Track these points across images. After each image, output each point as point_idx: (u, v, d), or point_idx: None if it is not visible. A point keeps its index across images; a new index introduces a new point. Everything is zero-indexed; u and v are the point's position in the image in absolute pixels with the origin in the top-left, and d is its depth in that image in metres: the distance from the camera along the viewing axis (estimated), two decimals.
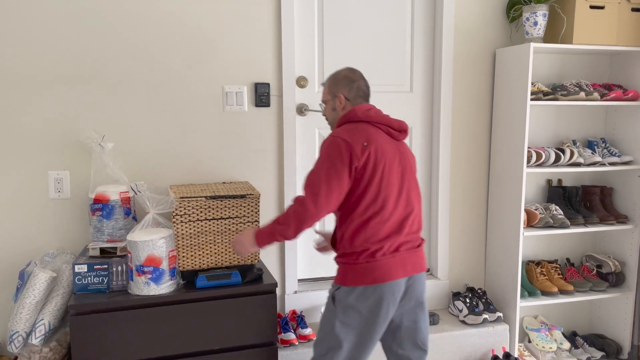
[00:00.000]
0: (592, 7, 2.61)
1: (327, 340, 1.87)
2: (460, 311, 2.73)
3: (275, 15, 2.49)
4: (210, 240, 2.12)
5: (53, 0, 2.22)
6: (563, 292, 2.78)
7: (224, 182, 2.44)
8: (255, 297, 2.11)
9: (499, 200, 2.82)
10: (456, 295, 2.80)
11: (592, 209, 2.88)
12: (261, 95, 2.51)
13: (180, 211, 2.08)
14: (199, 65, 2.42)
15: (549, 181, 2.98)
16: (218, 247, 2.14)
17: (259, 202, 2.18)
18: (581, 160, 2.73)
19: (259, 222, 2.18)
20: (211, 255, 2.14)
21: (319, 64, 2.66)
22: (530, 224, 2.73)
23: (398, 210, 1.85)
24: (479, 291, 2.82)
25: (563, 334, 2.93)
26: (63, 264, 2.16)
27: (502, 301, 2.82)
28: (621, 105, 2.80)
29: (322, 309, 2.34)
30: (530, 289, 2.77)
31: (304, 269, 2.77)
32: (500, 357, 2.64)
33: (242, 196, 2.16)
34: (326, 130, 2.70)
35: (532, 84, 2.66)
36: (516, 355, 2.73)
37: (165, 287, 2.01)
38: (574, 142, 2.88)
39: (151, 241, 1.97)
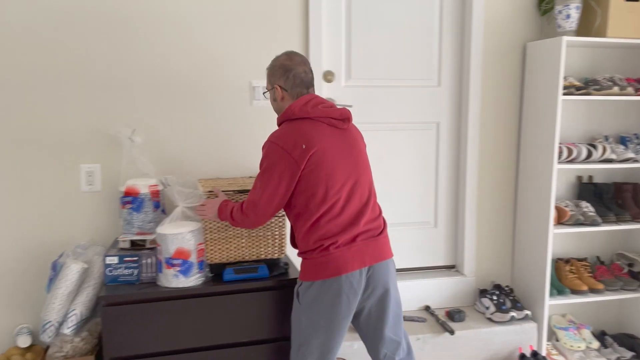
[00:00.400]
0: None
1: (296, 337, 1.92)
2: (487, 308, 2.70)
3: (302, 9, 2.49)
4: (237, 233, 2.13)
5: (84, 7, 2.26)
6: (593, 290, 2.73)
7: (251, 177, 2.46)
8: (281, 291, 2.12)
9: (528, 197, 2.78)
10: (483, 293, 2.77)
11: (624, 206, 2.82)
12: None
13: None
14: (227, 60, 2.44)
15: (579, 178, 2.92)
16: (245, 240, 2.15)
17: None
18: (614, 156, 2.67)
19: (284, 215, 2.18)
20: (238, 249, 2.15)
21: (346, 58, 2.65)
22: (560, 221, 2.69)
23: (352, 204, 1.83)
24: (506, 288, 2.78)
25: (592, 333, 2.88)
26: (94, 256, 2.20)
27: (529, 299, 2.78)
28: None
29: None
30: (559, 287, 2.73)
31: None
32: (528, 355, 2.61)
33: None
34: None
35: (563, 79, 2.61)
36: (544, 354, 2.70)
37: (193, 279, 2.03)
38: (606, 138, 2.81)
39: (180, 234, 1.99)
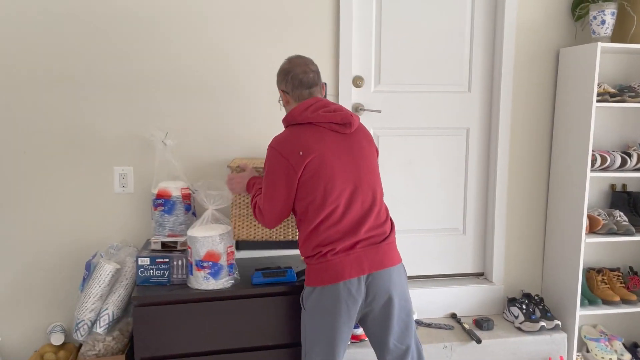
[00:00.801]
0: None
1: (304, 343, 1.93)
2: (516, 317, 2.66)
3: (333, 15, 2.50)
4: None
5: (118, 11, 2.31)
6: (625, 301, 2.67)
7: None
8: None
9: (560, 205, 2.73)
10: (512, 301, 2.74)
11: None
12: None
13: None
14: (258, 66, 2.46)
15: (612, 186, 2.86)
16: None
17: None
18: None
19: None
20: (265, 228, 2.12)
21: (376, 63, 2.65)
22: (592, 230, 2.64)
23: (353, 211, 1.81)
24: (536, 298, 2.74)
25: (624, 344, 2.82)
26: (127, 257, 2.24)
27: (560, 309, 2.73)
28: None
29: None
30: (590, 297, 2.68)
31: None
32: None
33: None
34: (381, 130, 2.69)
35: (598, 85, 2.57)
36: None
37: (223, 282, 2.05)
38: None
39: (210, 237, 2.01)
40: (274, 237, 2.17)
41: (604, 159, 2.57)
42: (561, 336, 2.60)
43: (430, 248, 2.83)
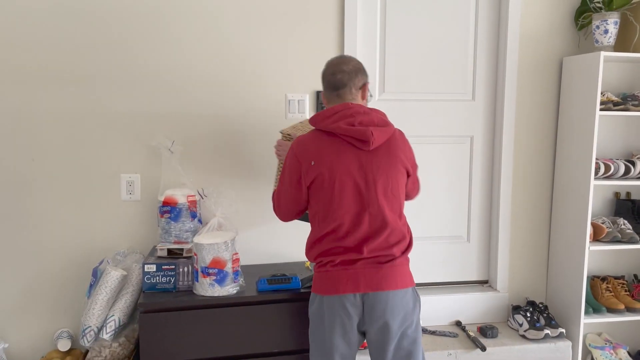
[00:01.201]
0: None
1: (310, 348, 1.92)
2: (521, 325, 2.67)
3: (338, 24, 2.53)
4: None
5: (123, 19, 2.34)
6: (630, 309, 2.67)
7: None
8: None
9: (564, 213, 2.74)
10: (516, 309, 2.74)
11: None
12: (322, 103, 2.55)
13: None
14: (263, 73, 2.49)
15: (616, 194, 2.87)
16: None
17: None
18: None
19: None
20: None
21: (380, 72, 2.67)
22: (596, 238, 2.64)
23: (358, 230, 1.76)
24: (541, 305, 2.74)
25: (629, 353, 2.81)
26: (133, 263, 2.26)
27: (564, 317, 2.73)
28: None
29: None
30: (595, 305, 2.68)
31: None
32: None
33: None
34: None
35: (601, 94, 2.58)
36: None
37: (228, 288, 2.07)
38: None
39: (216, 244, 2.03)
40: None
41: (607, 167, 2.58)
42: (565, 344, 2.60)
43: (434, 255, 2.83)
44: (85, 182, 2.38)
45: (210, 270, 2.04)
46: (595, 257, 2.89)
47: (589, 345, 2.80)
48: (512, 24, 2.67)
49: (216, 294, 2.05)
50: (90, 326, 2.11)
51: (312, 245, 1.85)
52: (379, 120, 1.80)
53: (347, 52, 2.53)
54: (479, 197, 2.84)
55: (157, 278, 2.10)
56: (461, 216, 2.84)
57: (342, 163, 1.75)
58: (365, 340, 1.88)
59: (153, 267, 2.10)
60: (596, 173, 2.58)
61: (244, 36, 2.45)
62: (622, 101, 2.58)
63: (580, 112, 2.59)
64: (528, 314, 2.67)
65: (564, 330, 2.63)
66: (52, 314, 2.42)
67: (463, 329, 2.71)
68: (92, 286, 2.19)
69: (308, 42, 2.51)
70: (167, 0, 2.36)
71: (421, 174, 2.75)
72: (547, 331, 2.59)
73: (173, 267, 2.10)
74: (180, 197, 2.23)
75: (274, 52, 2.49)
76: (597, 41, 2.59)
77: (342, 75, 1.80)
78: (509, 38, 2.68)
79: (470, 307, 2.79)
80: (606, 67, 2.77)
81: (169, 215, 2.22)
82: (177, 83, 2.41)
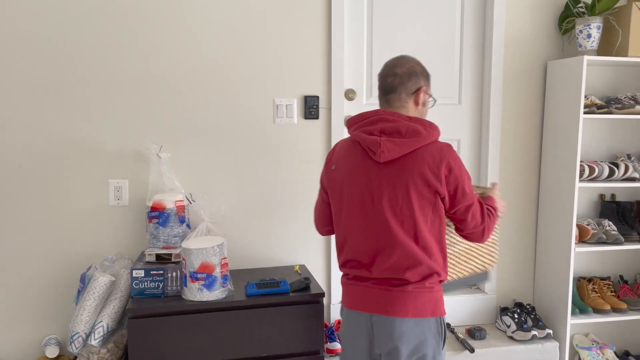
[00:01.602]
0: None
1: None
2: (508, 327, 2.69)
3: (325, 29, 2.55)
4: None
5: (109, 22, 2.35)
6: (616, 310, 2.70)
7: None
8: (302, 306, 2.15)
9: (550, 215, 2.77)
10: (504, 311, 2.76)
11: None
12: (310, 108, 2.56)
13: None
14: (251, 78, 2.50)
15: (601, 196, 2.91)
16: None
17: None
18: (636, 175, 2.66)
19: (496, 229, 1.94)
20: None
21: (367, 77, 2.69)
22: (582, 239, 2.67)
23: (370, 245, 1.64)
24: (528, 307, 2.77)
25: (615, 353, 2.84)
26: (121, 269, 2.26)
27: (551, 318, 2.76)
28: None
29: None
30: (581, 306, 2.71)
31: None
32: None
33: None
34: None
35: (585, 97, 2.62)
36: None
37: (217, 293, 2.07)
38: (629, 157, 2.80)
39: (205, 249, 2.04)
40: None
41: (592, 170, 2.62)
42: (553, 345, 2.63)
43: None
44: (73, 188, 2.38)
45: (199, 275, 2.04)
46: (581, 258, 2.92)
47: (576, 345, 2.83)
48: (497, 28, 2.71)
49: (205, 299, 2.05)
50: (78, 332, 2.11)
51: (337, 253, 1.77)
52: (407, 130, 1.60)
53: (334, 57, 2.55)
54: None
55: (146, 283, 2.10)
56: None
57: (355, 173, 1.65)
58: None
59: (141, 273, 2.09)
60: (581, 175, 2.62)
61: (232, 41, 2.46)
62: (605, 104, 2.61)
63: (565, 115, 2.63)
64: (515, 316, 2.69)
65: (551, 331, 2.65)
66: (39, 320, 2.40)
67: (452, 331, 2.72)
68: (80, 292, 2.19)
69: (295, 47, 2.53)
70: (153, 5, 2.37)
71: None
72: (534, 332, 2.61)
73: (161, 272, 2.10)
74: (169, 202, 2.23)
75: (262, 57, 2.50)
76: (580, 45, 2.62)
77: (393, 79, 1.66)
78: (494, 42, 2.71)
79: (458, 309, 2.81)
80: (589, 70, 2.81)
81: (157, 220, 2.22)
82: (164, 88, 2.42)
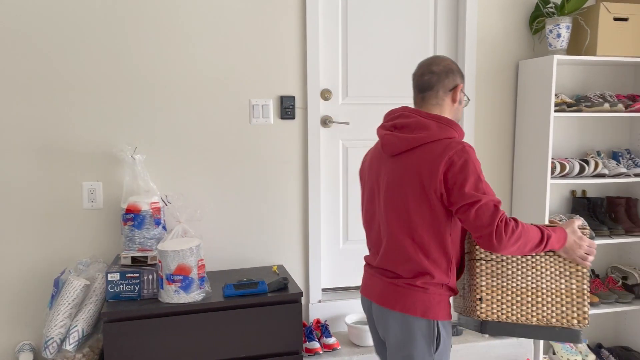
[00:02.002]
0: (616, 19, 2.61)
1: None
2: None
3: (300, 29, 2.55)
4: (518, 285, 1.65)
5: (87, 22, 2.31)
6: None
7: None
8: (280, 306, 2.15)
9: (523, 212, 2.82)
10: None
11: (617, 220, 2.86)
12: (286, 108, 2.57)
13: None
14: (227, 79, 2.49)
15: (573, 192, 2.97)
16: (520, 296, 1.64)
17: None
18: (606, 171, 2.72)
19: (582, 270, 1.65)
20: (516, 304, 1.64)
21: (343, 77, 2.71)
22: None
23: (375, 234, 1.75)
24: None
25: (588, 346, 2.91)
26: (96, 272, 2.23)
27: None
28: None
29: None
30: None
31: (328, 278, 2.80)
32: None
33: None
34: (350, 142, 2.75)
35: (555, 96, 2.67)
36: None
37: (194, 295, 2.06)
38: (599, 153, 2.87)
39: (181, 251, 2.02)
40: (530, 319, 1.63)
41: (563, 167, 2.67)
42: (528, 339, 2.68)
43: None
44: (46, 191, 2.34)
45: (175, 277, 2.03)
46: None
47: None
48: (470, 29, 2.75)
49: (182, 301, 2.04)
50: (52, 337, 2.07)
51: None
52: (417, 126, 1.60)
53: (309, 57, 2.56)
54: None
55: (121, 287, 2.08)
56: None
57: (371, 165, 1.75)
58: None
59: (117, 276, 2.07)
60: (552, 172, 2.67)
61: (206, 41, 2.45)
62: (575, 103, 2.67)
63: (536, 113, 2.68)
64: None
65: None
66: (13, 326, 2.36)
67: None
68: (54, 297, 2.16)
69: (271, 48, 2.53)
70: (127, 5, 2.34)
71: None
72: None
73: (137, 275, 2.08)
74: (144, 204, 2.21)
75: (237, 57, 2.49)
76: (550, 45, 2.68)
77: (430, 77, 1.65)
78: (467, 43, 2.75)
79: None
80: (560, 69, 2.87)
81: (133, 222, 2.20)
82: (139, 88, 2.40)
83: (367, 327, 2.52)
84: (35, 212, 2.34)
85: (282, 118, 2.57)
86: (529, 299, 1.62)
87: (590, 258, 1.59)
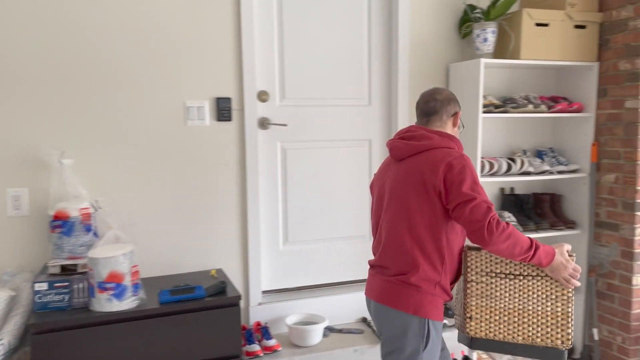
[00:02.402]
0: (537, 24, 2.75)
1: None
2: None
3: (235, 30, 2.54)
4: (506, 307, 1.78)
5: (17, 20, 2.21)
6: None
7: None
8: (219, 310, 2.13)
9: None
10: None
11: (543, 215, 3.02)
12: (223, 110, 2.55)
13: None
14: (160, 80, 2.44)
15: (502, 189, 3.11)
16: (508, 316, 1.77)
17: None
18: (531, 169, 2.86)
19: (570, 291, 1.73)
20: (502, 324, 1.79)
21: (280, 79, 2.71)
22: None
23: (381, 238, 1.87)
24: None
25: None
26: (22, 283, 2.14)
27: None
28: (567, 116, 2.96)
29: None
30: None
31: (268, 280, 2.80)
32: None
33: None
34: (288, 143, 2.76)
35: (483, 97, 2.78)
36: (474, 359, 2.82)
37: (128, 302, 2.01)
38: (525, 152, 3.01)
39: (113, 257, 1.97)
40: (516, 338, 1.76)
41: (491, 165, 2.79)
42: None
43: (339, 255, 2.91)
44: None
45: (108, 285, 1.97)
46: None
47: None
48: (403, 32, 2.82)
49: (115, 309, 1.98)
50: None
51: None
52: (422, 136, 1.81)
53: (245, 58, 2.55)
54: None
55: (50, 296, 2.00)
56: (363, 216, 2.94)
57: (380, 172, 1.94)
58: None
59: (44, 285, 1.99)
60: (482, 171, 2.78)
61: (138, 40, 2.39)
62: (502, 104, 2.80)
63: (466, 114, 2.78)
64: None
65: None
66: None
67: (369, 324, 2.80)
68: None
69: (205, 48, 2.50)
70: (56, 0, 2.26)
71: (324, 177, 2.84)
72: (445, 321, 2.73)
73: (67, 284, 2.01)
74: (73, 210, 2.13)
75: (170, 58, 2.45)
76: (477, 49, 2.79)
77: (435, 103, 1.88)
78: (400, 47, 2.83)
79: None
80: (487, 72, 3.00)
81: (61, 229, 2.12)
82: (66, 88, 2.31)
83: (307, 328, 2.54)
84: None
85: (218, 120, 2.55)
86: (516, 319, 1.75)
87: (574, 282, 1.71)
